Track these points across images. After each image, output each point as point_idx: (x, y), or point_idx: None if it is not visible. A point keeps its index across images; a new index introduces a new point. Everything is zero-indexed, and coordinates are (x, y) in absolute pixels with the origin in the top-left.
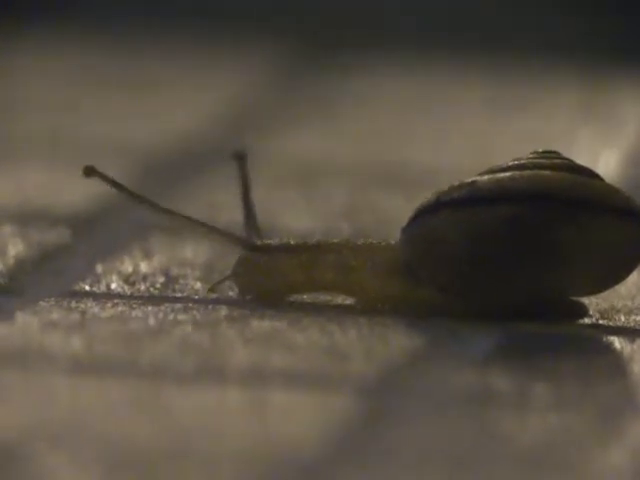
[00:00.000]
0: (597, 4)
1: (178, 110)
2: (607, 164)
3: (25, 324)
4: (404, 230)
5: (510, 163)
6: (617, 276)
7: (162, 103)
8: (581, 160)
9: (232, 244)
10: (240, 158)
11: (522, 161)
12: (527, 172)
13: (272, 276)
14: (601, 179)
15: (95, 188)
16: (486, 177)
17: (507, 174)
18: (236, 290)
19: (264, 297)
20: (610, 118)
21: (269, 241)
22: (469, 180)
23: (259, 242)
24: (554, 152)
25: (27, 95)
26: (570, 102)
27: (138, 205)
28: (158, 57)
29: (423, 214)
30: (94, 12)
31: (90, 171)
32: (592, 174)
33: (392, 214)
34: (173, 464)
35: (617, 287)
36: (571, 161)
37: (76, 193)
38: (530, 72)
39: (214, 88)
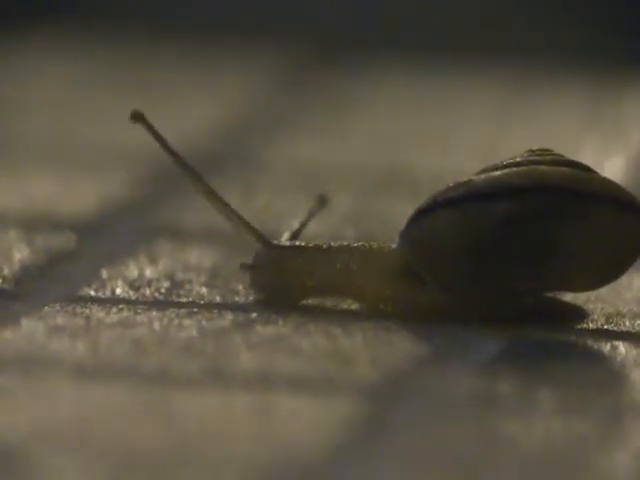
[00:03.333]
0: (604, 12)
1: (183, 114)
2: (612, 170)
3: (30, 329)
4: (402, 233)
5: (505, 162)
6: (617, 270)
7: (167, 107)
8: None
9: (251, 236)
10: (322, 201)
11: (517, 159)
12: (523, 168)
13: (282, 276)
14: (597, 173)
15: (100, 193)
16: (482, 175)
17: (503, 171)
18: (241, 294)
19: (274, 297)
20: (616, 124)
21: (282, 242)
22: (465, 179)
23: (275, 241)
24: (548, 150)
25: (32, 99)
26: (576, 108)
27: (178, 168)
28: (163, 61)
29: (421, 216)
30: (99, 15)
31: (137, 116)
32: (588, 168)
33: (398, 218)
34: (178, 468)
35: (622, 292)
36: (565, 157)
37: (81, 198)
38: (537, 78)
39: (219, 92)
